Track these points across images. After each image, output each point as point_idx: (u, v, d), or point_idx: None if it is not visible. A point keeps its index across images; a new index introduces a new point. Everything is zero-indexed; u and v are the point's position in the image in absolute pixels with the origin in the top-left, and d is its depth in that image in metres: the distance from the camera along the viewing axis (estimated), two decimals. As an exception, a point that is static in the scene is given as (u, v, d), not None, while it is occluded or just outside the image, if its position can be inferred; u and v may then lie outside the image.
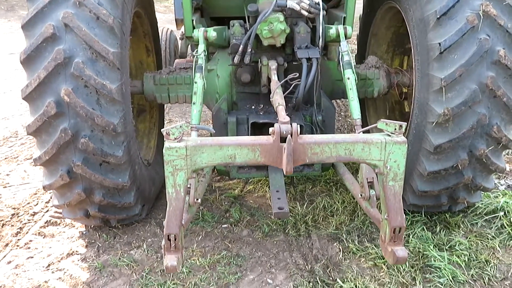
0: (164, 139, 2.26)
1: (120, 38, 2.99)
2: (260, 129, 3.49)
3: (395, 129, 2.32)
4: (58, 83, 2.85)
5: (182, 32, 6.22)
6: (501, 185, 4.27)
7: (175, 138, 2.25)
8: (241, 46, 3.36)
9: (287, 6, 3.38)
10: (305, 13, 3.39)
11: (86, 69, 2.83)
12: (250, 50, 3.36)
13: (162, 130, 2.28)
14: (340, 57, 3.38)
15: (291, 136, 2.23)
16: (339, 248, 3.39)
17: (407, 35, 3.46)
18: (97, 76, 2.86)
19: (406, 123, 2.39)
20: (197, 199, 2.73)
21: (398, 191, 2.36)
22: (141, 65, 4.39)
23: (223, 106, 3.45)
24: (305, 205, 3.92)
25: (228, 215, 3.89)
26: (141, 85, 3.88)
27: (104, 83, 2.88)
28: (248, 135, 3.41)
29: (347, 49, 3.38)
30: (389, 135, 2.33)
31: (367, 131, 2.78)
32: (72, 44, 2.84)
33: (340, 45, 3.41)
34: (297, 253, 3.38)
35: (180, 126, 2.26)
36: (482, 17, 2.94)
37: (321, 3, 3.37)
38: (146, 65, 4.41)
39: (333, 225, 3.65)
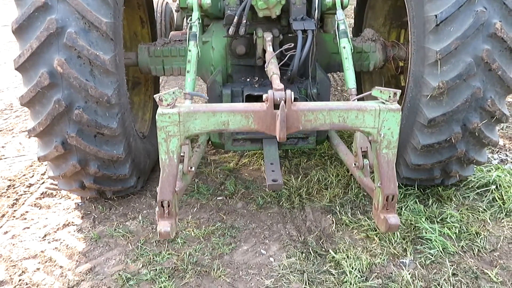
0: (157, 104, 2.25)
1: (113, 8, 2.95)
2: (255, 101, 3.49)
3: (390, 96, 2.31)
4: (51, 53, 2.82)
5: (177, 4, 6.13)
6: (494, 159, 4.30)
7: (168, 104, 2.24)
8: (236, 17, 3.32)
9: (283, -23, 3.33)
10: (301, -16, 3.34)
11: (79, 39, 2.80)
12: (245, 21, 3.33)
13: (154, 96, 2.27)
14: (336, 26, 3.35)
15: (285, 103, 2.22)
16: (332, 220, 3.43)
17: (404, 8, 3.42)
18: (90, 46, 2.84)
19: (400, 90, 2.37)
20: (191, 168, 2.73)
21: (392, 159, 2.36)
22: (135, 36, 4.35)
23: (218, 79, 3.43)
24: (299, 178, 3.94)
25: (223, 187, 3.92)
26: (136, 57, 3.86)
27: (98, 53, 2.85)
28: (243, 107, 3.40)
29: (343, 17, 3.35)
30: (383, 103, 2.32)
31: (362, 99, 2.76)
32: (64, 13, 2.81)
33: (336, 14, 3.37)
34: (291, 225, 3.42)
35: (173, 92, 2.25)
36: (479, -12, 2.90)
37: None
38: (141, 36, 4.37)
39: (327, 198, 3.69)
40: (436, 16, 2.95)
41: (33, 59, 2.84)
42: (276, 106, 2.25)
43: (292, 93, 2.26)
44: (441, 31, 2.97)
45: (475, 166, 3.65)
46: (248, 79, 3.59)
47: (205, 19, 4.02)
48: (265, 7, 3.36)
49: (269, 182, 2.98)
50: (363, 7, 4.63)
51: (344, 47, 3.23)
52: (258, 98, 3.45)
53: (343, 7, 3.42)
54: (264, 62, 3.43)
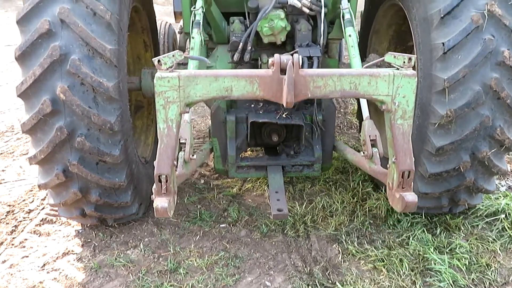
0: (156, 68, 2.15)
1: (117, 35, 2.93)
2: (259, 128, 3.45)
3: (404, 62, 2.21)
4: (54, 80, 2.79)
5: (181, 25, 6.13)
6: (502, 186, 4.23)
7: (167, 68, 2.12)
8: (241, 43, 3.30)
9: (288, 3, 3.33)
10: (307, 10, 3.33)
11: (83, 66, 2.77)
12: (250, 47, 3.31)
13: (153, 59, 2.14)
14: (341, 15, 3.32)
15: (293, 66, 2.11)
16: (338, 250, 3.35)
17: (409, 33, 3.40)
18: (93, 73, 2.80)
19: (415, 56, 2.27)
20: (193, 155, 2.61)
21: (407, 130, 2.24)
22: (138, 60, 4.32)
23: (222, 105, 3.38)
24: (304, 205, 3.87)
25: (226, 214, 3.85)
26: (139, 82, 3.82)
27: (101, 80, 2.82)
28: (248, 134, 3.35)
29: (348, 6, 3.32)
30: (398, 69, 2.22)
31: (372, 67, 2.65)
32: (68, 40, 2.78)
33: (341, 3, 3.33)
34: (296, 255, 3.34)
35: (173, 55, 2.13)
36: (487, 16, 2.88)
37: (323, 0, 3.30)
38: (144, 60, 4.34)
39: (332, 226, 3.61)
40: (443, 44, 2.92)
41: (35, 86, 2.80)
42: (283, 71, 2.13)
43: (300, 57, 2.13)
44: (448, 59, 2.94)
45: (483, 194, 3.59)
46: (252, 105, 3.54)
47: (210, 43, 4.01)
48: (270, 33, 3.34)
49: (274, 212, 2.91)
50: (367, 31, 4.62)
51: (349, 35, 3.20)
52: (263, 126, 3.42)
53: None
54: (269, 88, 3.39)
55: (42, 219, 3.74)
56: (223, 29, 3.69)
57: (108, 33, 2.87)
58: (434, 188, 3.27)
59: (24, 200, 4.01)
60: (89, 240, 3.49)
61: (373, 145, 2.65)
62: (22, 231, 3.60)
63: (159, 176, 2.18)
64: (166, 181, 2.18)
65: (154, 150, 4.12)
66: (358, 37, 3.22)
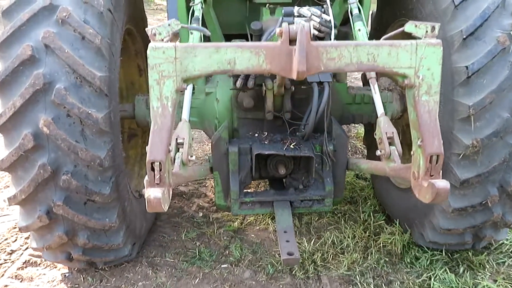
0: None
1: (108, 60, 2.65)
2: (264, 159, 3.15)
3: (427, 31, 1.98)
4: (37, 112, 2.50)
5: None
6: (523, 216, 3.95)
7: (163, 39, 1.90)
8: (244, 68, 3.02)
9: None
10: (315, 32, 3.05)
11: (69, 96, 2.48)
12: (254, 72, 3.03)
13: (146, 29, 1.92)
14: (349, 11, 3.14)
15: (303, 36, 1.86)
16: (354, 294, 3.03)
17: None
18: (81, 104, 2.51)
19: (439, 24, 2.04)
20: (191, 156, 2.36)
21: (434, 108, 2.00)
22: (132, 86, 4.03)
23: (223, 135, 3.08)
24: (312, 241, 3.56)
25: (227, 252, 3.52)
26: (132, 109, 3.51)
27: (90, 112, 2.53)
28: (252, 167, 3.05)
29: (356, 1, 3.14)
30: (420, 38, 1.99)
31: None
32: (53, 67, 2.50)
33: None
34: (307, 300, 3.02)
35: (169, 25, 1.93)
36: (514, 37, 2.65)
37: (332, 21, 3.04)
38: (138, 86, 4.05)
39: (345, 265, 3.30)
40: (467, 67, 2.68)
41: (16, 118, 2.51)
42: (292, 42, 1.89)
43: (311, 25, 1.91)
44: (473, 84, 2.70)
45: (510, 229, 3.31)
46: (256, 134, 3.24)
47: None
48: (275, 57, 3.07)
49: (284, 256, 2.60)
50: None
51: (359, 30, 3.00)
52: (268, 157, 3.13)
53: None
54: (274, 116, 3.12)
55: (25, 261, 3.39)
56: None
57: (98, 59, 2.59)
58: (458, 224, 2.99)
59: (6, 239, 3.66)
60: (77, 285, 3.14)
61: (391, 143, 2.40)
62: (3, 275, 3.25)
63: (151, 164, 1.90)
64: (160, 170, 1.90)
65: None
66: (368, 33, 2.99)
